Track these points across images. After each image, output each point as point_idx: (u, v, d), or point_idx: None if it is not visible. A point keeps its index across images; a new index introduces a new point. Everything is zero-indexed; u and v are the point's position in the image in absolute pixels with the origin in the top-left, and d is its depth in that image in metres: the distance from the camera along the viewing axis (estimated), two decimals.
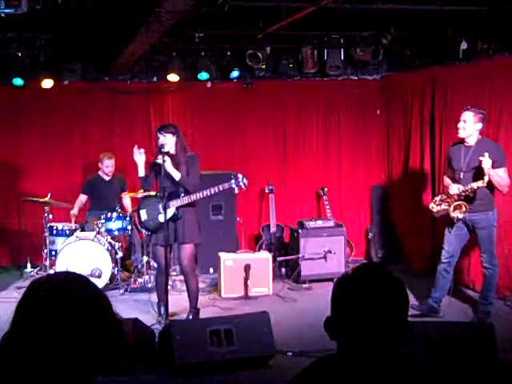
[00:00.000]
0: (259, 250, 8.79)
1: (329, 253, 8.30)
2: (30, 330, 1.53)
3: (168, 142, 6.24)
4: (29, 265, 8.62)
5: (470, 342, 5.03)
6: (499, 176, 6.14)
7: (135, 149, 6.44)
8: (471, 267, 7.76)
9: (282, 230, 9.20)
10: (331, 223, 8.66)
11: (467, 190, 6.22)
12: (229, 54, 9.24)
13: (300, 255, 8.26)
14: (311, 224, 8.49)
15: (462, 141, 6.40)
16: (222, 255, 7.82)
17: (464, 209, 6.24)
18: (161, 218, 6.31)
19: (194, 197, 6.21)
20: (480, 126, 6.28)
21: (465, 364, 4.97)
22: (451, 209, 6.32)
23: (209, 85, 9.53)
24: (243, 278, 7.63)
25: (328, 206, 9.37)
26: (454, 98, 8.16)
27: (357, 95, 9.81)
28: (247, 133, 9.84)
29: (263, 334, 5.42)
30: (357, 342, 1.72)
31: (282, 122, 9.87)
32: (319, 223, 8.57)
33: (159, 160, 6.18)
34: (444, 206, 6.43)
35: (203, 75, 9.11)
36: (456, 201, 6.28)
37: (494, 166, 6.06)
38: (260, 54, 9.04)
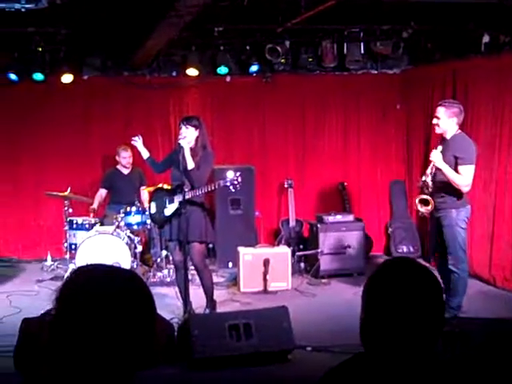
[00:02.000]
0: (278, 245, 8.77)
1: (348, 247, 8.27)
2: (72, 316, 1.52)
3: (189, 134, 6.20)
4: (49, 258, 8.69)
5: (490, 338, 4.98)
6: (458, 173, 5.91)
7: (132, 139, 6.77)
8: (492, 263, 7.70)
9: (301, 225, 9.17)
10: (350, 218, 8.62)
11: (423, 184, 6.07)
12: (248, 48, 9.22)
13: (319, 250, 8.23)
14: (330, 219, 8.46)
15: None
16: (241, 250, 7.81)
17: (430, 205, 6.05)
18: (166, 212, 6.33)
19: (193, 193, 6.15)
20: (455, 120, 6.06)
21: (485, 360, 4.92)
22: (416, 202, 6.19)
23: (228, 79, 9.52)
24: (262, 273, 7.62)
25: (347, 201, 9.33)
26: (476, 91, 8.08)
27: (377, 89, 9.74)
28: (266, 127, 9.82)
29: (282, 329, 5.41)
30: (394, 341, 1.68)
31: (302, 116, 9.83)
32: (338, 218, 8.53)
33: (181, 141, 6.11)
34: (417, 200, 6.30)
35: (222, 70, 9.10)
36: (425, 195, 6.11)
37: (458, 163, 5.91)
38: (279, 48, 9.00)
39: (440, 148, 5.90)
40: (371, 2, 7.37)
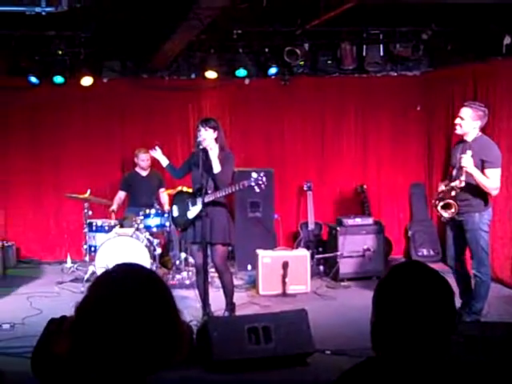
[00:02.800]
0: (297, 248, 8.74)
1: (368, 251, 8.22)
2: (95, 316, 1.56)
3: (207, 136, 6.20)
4: (69, 260, 8.73)
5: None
6: (486, 176, 5.80)
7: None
8: None
9: (321, 228, 9.14)
10: (370, 221, 8.58)
11: (451, 189, 5.96)
12: (267, 50, 9.21)
13: (338, 253, 8.19)
14: (350, 221, 8.42)
15: (463, 138, 6.08)
16: (260, 252, 7.79)
17: (453, 209, 5.95)
18: (189, 215, 6.34)
19: (217, 194, 6.16)
20: (479, 123, 5.94)
21: (507, 365, 4.86)
22: (439, 207, 6.09)
23: (247, 82, 9.52)
24: (281, 276, 7.60)
25: (367, 204, 9.29)
26: (497, 94, 8.00)
27: (396, 91, 9.69)
28: (285, 130, 9.80)
29: (301, 332, 5.38)
30: (404, 345, 1.66)
31: (321, 118, 9.80)
32: (358, 221, 8.48)
33: (205, 143, 6.12)
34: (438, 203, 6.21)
35: (241, 72, 9.10)
36: (447, 199, 6.03)
37: (484, 166, 5.81)
38: (298, 51, 8.98)
39: (470, 153, 5.77)
40: (391, 3, 7.33)
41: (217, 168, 6.10)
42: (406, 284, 1.71)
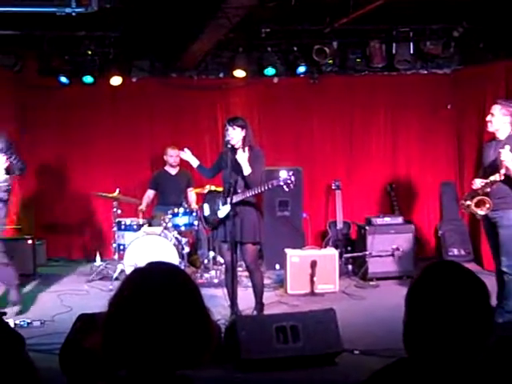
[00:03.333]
0: (325, 247, 8.70)
1: (397, 250, 8.15)
2: (126, 312, 1.59)
3: (235, 135, 6.19)
4: (98, 258, 8.80)
5: None
6: None
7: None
8: None
9: (349, 227, 9.09)
10: (399, 220, 8.50)
11: (487, 184, 5.90)
12: (295, 49, 9.19)
13: (367, 252, 8.13)
14: (379, 221, 8.36)
15: (495, 136, 6.08)
16: (288, 251, 7.77)
17: (488, 205, 5.89)
18: (220, 214, 6.34)
19: (247, 194, 6.15)
20: (508, 119, 5.92)
21: None
22: (473, 205, 6.01)
23: (275, 80, 9.50)
24: (309, 275, 7.57)
25: (396, 203, 9.20)
26: None
27: (426, 89, 9.59)
28: (314, 128, 9.76)
29: (330, 332, 5.34)
30: (437, 346, 1.63)
31: (349, 116, 9.74)
32: (387, 220, 8.42)
33: (234, 144, 6.15)
34: (469, 202, 6.14)
35: (270, 71, 9.09)
36: (480, 196, 5.97)
37: None
38: (327, 49, 8.94)
39: (508, 147, 5.73)
40: (421, 0, 7.26)
41: (247, 170, 6.10)
42: (440, 284, 1.67)
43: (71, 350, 4.62)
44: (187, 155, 6.80)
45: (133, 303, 1.59)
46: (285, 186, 5.95)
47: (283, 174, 5.96)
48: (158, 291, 1.60)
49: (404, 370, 1.69)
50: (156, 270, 1.69)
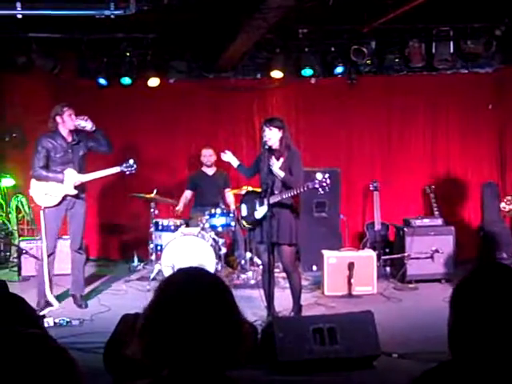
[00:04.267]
0: (363, 248, 8.62)
1: (436, 252, 8.02)
2: (162, 319, 1.63)
3: (273, 136, 6.18)
4: (136, 259, 8.87)
5: None
6: None
7: (222, 155, 6.92)
8: None
9: (387, 228, 8.98)
10: (439, 221, 8.37)
11: None
12: (333, 49, 9.12)
13: (406, 254, 8.03)
14: (418, 222, 8.24)
15: None
16: (326, 253, 7.72)
17: None
18: (257, 215, 6.33)
19: (283, 195, 6.12)
20: None
21: None
22: None
23: (313, 81, 9.45)
24: (347, 277, 7.50)
25: (435, 204, 9.07)
26: None
27: (467, 89, 9.43)
28: (352, 129, 9.68)
29: (367, 334, 5.28)
30: (484, 350, 1.58)
31: (388, 117, 9.64)
32: (426, 221, 8.30)
33: (271, 145, 6.17)
34: (511, 207, 5.97)
35: (307, 71, 9.04)
36: None
37: None
38: (365, 49, 8.86)
39: None
40: None
41: (281, 175, 6.10)
42: (489, 286, 1.62)
43: (115, 350, 4.64)
44: (228, 156, 6.78)
45: (165, 311, 1.63)
46: (320, 189, 5.91)
47: (319, 177, 5.93)
48: (191, 296, 1.64)
49: (448, 375, 1.64)
50: (188, 275, 1.74)
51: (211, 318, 1.61)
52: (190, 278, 1.71)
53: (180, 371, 1.61)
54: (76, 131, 6.89)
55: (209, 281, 1.71)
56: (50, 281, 6.82)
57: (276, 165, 6.13)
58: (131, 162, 7.08)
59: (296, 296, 6.45)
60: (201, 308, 1.61)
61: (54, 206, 6.83)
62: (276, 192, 6.14)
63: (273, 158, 6.17)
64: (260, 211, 6.32)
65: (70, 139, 6.86)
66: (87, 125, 6.82)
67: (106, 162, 9.46)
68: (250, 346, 1.68)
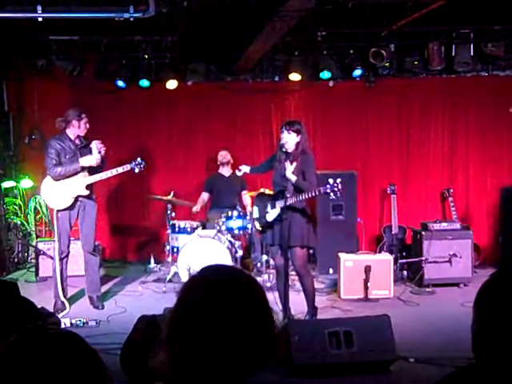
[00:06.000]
0: (380, 252, 8.58)
1: (454, 256, 7.96)
2: (191, 323, 1.50)
3: (290, 140, 6.17)
4: (152, 260, 8.89)
5: None
6: None
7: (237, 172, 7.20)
8: None
9: (405, 232, 8.93)
10: (457, 225, 8.31)
11: None
12: (351, 52, 9.10)
13: (423, 258, 7.97)
14: (436, 226, 8.18)
15: None
16: (342, 256, 7.68)
17: None
18: (268, 217, 6.33)
19: (295, 198, 6.10)
20: None
21: None
22: None
23: (331, 84, 9.42)
24: (363, 280, 7.46)
25: (454, 208, 9.00)
26: None
27: (487, 92, 9.35)
28: (370, 132, 9.64)
29: (384, 338, 5.25)
30: (509, 354, 1.56)
31: (406, 120, 9.58)
32: (444, 225, 8.24)
33: (287, 148, 6.19)
34: None
35: (325, 74, 9.02)
36: None
37: None
38: (384, 52, 8.81)
39: None
40: (482, 0, 7.09)
41: (293, 179, 6.11)
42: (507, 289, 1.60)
43: (132, 351, 4.66)
44: (242, 169, 7.00)
45: (195, 313, 1.51)
46: (331, 193, 5.89)
47: (330, 181, 5.93)
48: (222, 297, 1.52)
49: (467, 380, 1.62)
50: (212, 274, 1.61)
51: (247, 322, 1.51)
52: (222, 278, 1.57)
53: (208, 377, 1.50)
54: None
55: (244, 281, 1.60)
56: (63, 282, 6.87)
57: (289, 169, 6.12)
58: (139, 159, 7.12)
59: (310, 299, 6.43)
60: (236, 311, 1.51)
61: (67, 209, 6.88)
62: (288, 195, 6.13)
63: (287, 162, 6.16)
64: (271, 214, 6.33)
65: (77, 142, 6.94)
66: (95, 156, 6.88)
67: (119, 164, 9.56)
68: (283, 351, 1.61)
